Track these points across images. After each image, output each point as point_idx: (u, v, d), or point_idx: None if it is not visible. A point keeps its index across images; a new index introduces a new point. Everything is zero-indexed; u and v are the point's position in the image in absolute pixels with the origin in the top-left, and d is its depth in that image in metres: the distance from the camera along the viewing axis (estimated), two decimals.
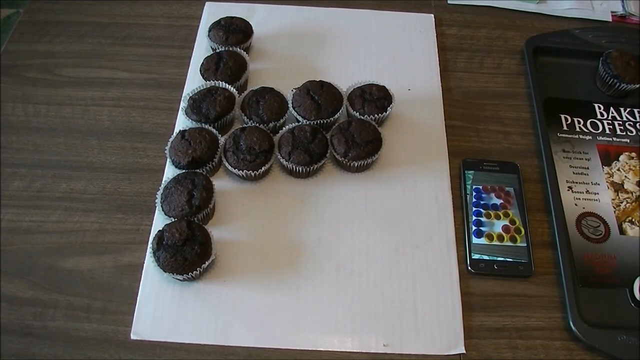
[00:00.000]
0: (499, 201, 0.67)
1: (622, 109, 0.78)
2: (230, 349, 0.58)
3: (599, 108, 0.78)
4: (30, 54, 0.81)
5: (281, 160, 0.67)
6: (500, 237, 0.65)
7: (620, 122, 0.76)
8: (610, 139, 0.75)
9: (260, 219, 0.66)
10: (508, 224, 0.66)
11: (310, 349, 0.58)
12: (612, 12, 0.90)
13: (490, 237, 0.65)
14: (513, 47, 0.85)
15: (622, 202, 0.69)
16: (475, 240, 0.65)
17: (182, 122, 0.73)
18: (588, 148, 0.74)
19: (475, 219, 0.66)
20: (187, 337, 0.58)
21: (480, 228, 0.65)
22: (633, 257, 0.64)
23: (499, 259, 0.63)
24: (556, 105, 0.78)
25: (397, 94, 0.73)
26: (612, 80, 0.77)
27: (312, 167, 0.67)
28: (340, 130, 0.68)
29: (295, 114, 0.71)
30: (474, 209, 0.67)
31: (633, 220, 0.67)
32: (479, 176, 0.70)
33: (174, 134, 0.68)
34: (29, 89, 0.77)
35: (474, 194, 0.68)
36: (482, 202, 0.67)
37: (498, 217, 0.66)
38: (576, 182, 0.70)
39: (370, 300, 0.61)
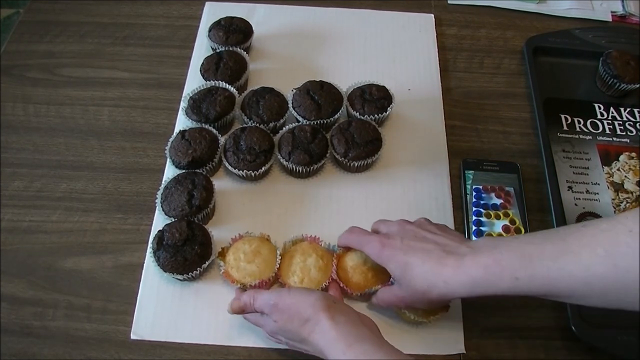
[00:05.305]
0: (499, 201, 0.67)
1: (622, 109, 0.78)
2: (230, 349, 0.58)
3: (599, 108, 0.78)
4: (30, 54, 0.81)
5: (281, 160, 0.67)
6: None
7: (620, 122, 0.76)
8: (610, 139, 0.75)
9: (260, 219, 0.66)
10: (508, 224, 0.66)
11: None
12: (612, 12, 0.90)
13: (490, 237, 0.65)
14: (513, 47, 0.85)
15: (622, 202, 0.69)
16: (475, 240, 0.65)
17: (182, 122, 0.73)
18: (588, 148, 0.74)
19: (475, 219, 0.66)
20: (187, 337, 0.58)
21: (480, 228, 0.65)
22: None
23: None
24: (556, 105, 0.78)
25: (397, 94, 0.73)
26: (612, 80, 0.77)
27: (312, 167, 0.67)
28: (340, 130, 0.68)
29: (295, 114, 0.71)
30: (474, 209, 0.67)
31: None
32: (479, 176, 0.70)
33: (174, 134, 0.68)
34: (29, 89, 0.77)
35: (474, 194, 0.68)
36: (482, 202, 0.67)
37: (498, 217, 0.66)
38: (576, 182, 0.70)
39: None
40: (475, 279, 0.47)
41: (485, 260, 0.47)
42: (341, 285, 0.58)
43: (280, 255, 0.60)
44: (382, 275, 0.58)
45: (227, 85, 0.72)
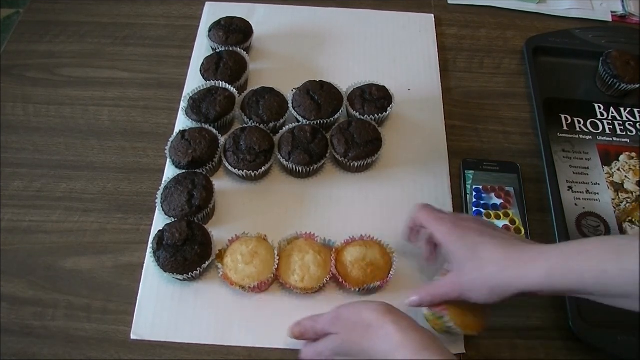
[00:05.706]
0: (499, 201, 0.67)
1: (622, 109, 0.78)
2: (230, 349, 0.58)
3: (599, 108, 0.78)
4: (30, 54, 0.81)
5: (281, 160, 0.67)
6: None
7: (620, 122, 0.76)
8: (610, 139, 0.75)
9: (260, 219, 0.66)
10: (508, 223, 0.66)
11: None
12: (612, 12, 0.90)
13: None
14: (513, 47, 0.85)
15: (622, 202, 0.69)
16: None
17: (182, 122, 0.73)
18: (588, 148, 0.74)
19: None
20: (187, 337, 0.58)
21: None
22: None
23: None
24: (556, 105, 0.78)
25: (397, 94, 0.73)
26: (612, 80, 0.77)
27: (312, 167, 0.67)
28: (340, 130, 0.68)
29: (295, 114, 0.71)
30: (474, 209, 0.67)
31: (633, 220, 0.67)
32: (479, 176, 0.70)
33: (174, 134, 0.68)
34: (29, 89, 0.77)
35: (474, 194, 0.68)
36: (482, 202, 0.67)
37: (498, 217, 0.66)
38: (576, 182, 0.70)
39: (370, 300, 0.61)
40: (553, 268, 0.44)
41: (569, 249, 0.45)
42: (340, 280, 0.59)
43: (277, 255, 0.60)
44: (381, 271, 0.58)
45: (227, 85, 0.72)
